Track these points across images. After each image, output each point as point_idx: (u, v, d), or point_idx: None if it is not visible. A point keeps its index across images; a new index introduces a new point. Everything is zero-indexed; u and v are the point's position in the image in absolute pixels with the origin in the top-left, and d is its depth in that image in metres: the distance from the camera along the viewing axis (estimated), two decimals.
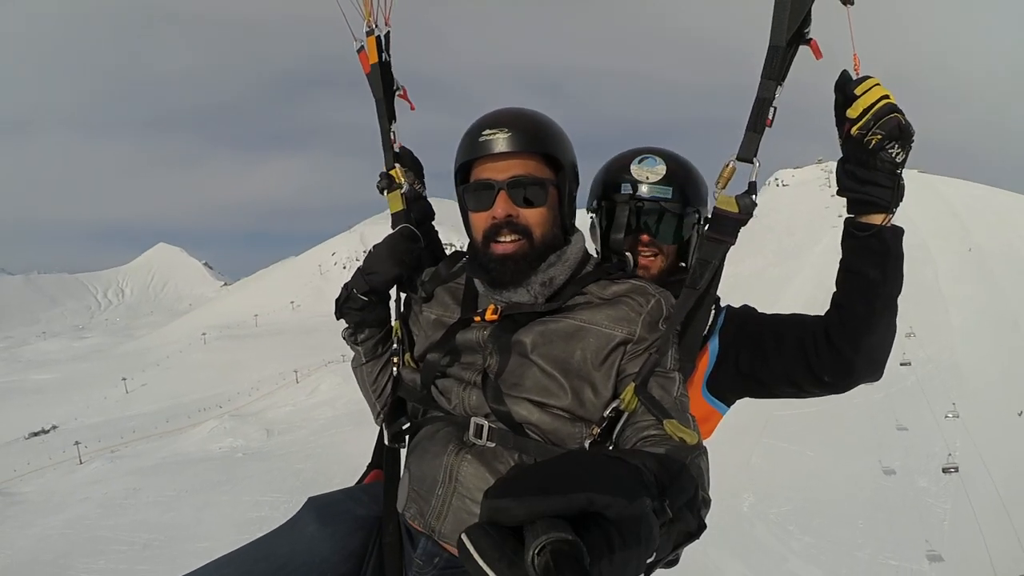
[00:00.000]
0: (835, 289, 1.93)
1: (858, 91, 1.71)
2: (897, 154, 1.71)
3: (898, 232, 1.81)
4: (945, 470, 43.49)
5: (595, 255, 2.21)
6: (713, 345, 2.17)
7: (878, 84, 1.71)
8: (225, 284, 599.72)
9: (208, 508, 59.85)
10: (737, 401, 2.26)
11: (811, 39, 1.72)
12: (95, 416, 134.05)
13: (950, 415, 52.15)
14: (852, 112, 1.72)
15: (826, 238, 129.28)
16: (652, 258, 2.25)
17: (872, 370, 1.93)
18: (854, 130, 1.72)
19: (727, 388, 2.19)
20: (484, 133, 1.83)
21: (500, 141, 1.81)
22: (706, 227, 1.88)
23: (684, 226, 2.26)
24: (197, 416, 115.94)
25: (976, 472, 42.02)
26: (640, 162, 2.26)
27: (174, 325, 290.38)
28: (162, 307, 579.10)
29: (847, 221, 1.86)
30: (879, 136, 1.68)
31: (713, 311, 2.16)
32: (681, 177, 2.25)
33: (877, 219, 1.79)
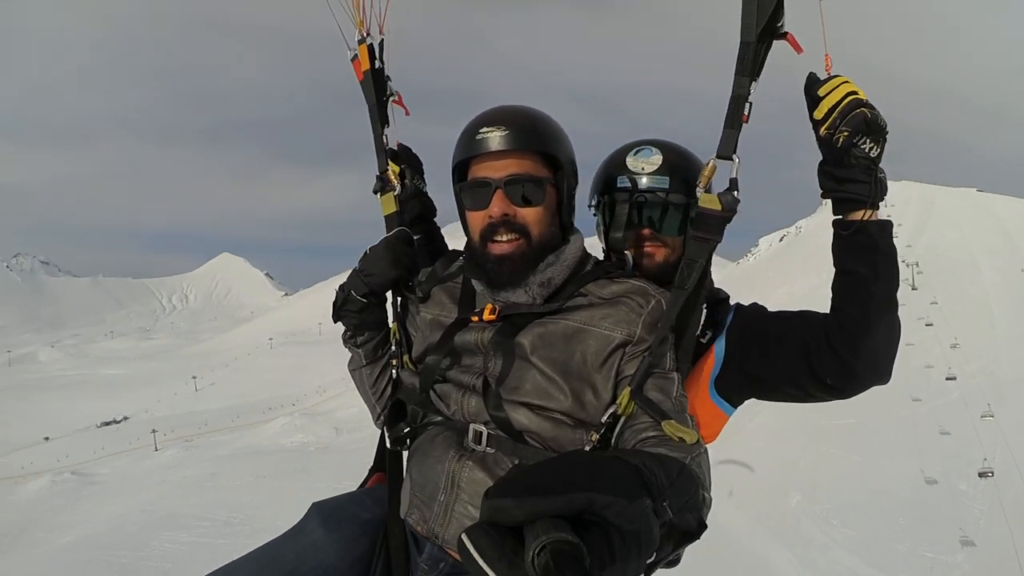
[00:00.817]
0: (832, 293, 1.91)
1: (822, 92, 1.73)
2: (871, 148, 1.70)
3: (885, 226, 1.79)
4: (981, 474, 44.05)
5: (601, 253, 2.23)
6: (720, 345, 2.14)
7: (845, 82, 1.72)
8: (286, 294, 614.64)
9: (285, 492, 60.04)
10: (744, 403, 2.22)
11: (786, 33, 1.72)
12: (166, 410, 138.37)
13: (986, 416, 52.32)
14: (817, 113, 1.73)
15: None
16: (656, 252, 2.19)
17: (876, 374, 1.88)
18: (822, 131, 1.73)
19: (733, 388, 2.14)
20: (481, 131, 1.82)
21: (497, 139, 1.80)
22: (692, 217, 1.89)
23: (686, 216, 2.18)
24: (267, 414, 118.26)
25: (1011, 475, 43.12)
26: (636, 154, 2.21)
27: (239, 331, 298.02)
28: (225, 314, 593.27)
29: (834, 223, 1.85)
30: (846, 133, 1.69)
31: (721, 311, 2.21)
32: (679, 166, 2.19)
33: (858, 215, 1.77)
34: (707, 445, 1.82)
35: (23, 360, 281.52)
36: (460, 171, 1.92)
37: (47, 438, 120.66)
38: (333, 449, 79.97)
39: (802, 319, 2.03)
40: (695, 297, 1.84)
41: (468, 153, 1.84)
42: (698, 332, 1.98)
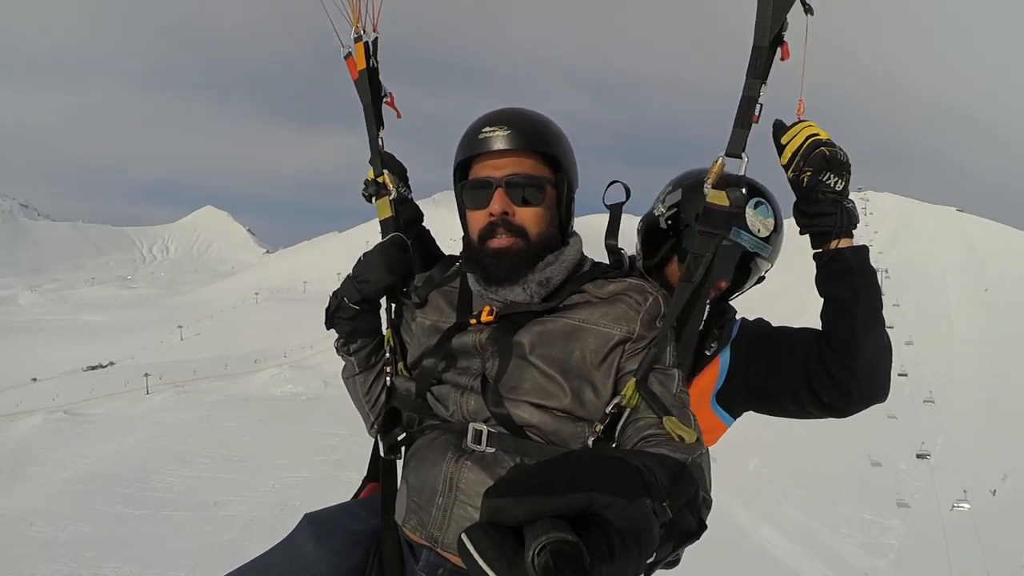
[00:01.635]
0: (820, 322, 1.97)
1: (784, 139, 1.87)
2: (836, 183, 1.83)
3: (860, 251, 1.88)
4: (919, 456, 52.90)
5: (634, 257, 2.24)
6: (724, 357, 2.17)
7: (808, 126, 1.86)
8: (267, 252, 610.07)
9: (280, 435, 62.68)
10: (744, 413, 2.27)
11: (784, 42, 1.79)
12: (152, 357, 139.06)
13: (928, 401, 64.79)
14: (782, 159, 1.88)
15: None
16: (711, 293, 2.14)
17: (872, 391, 1.93)
18: (789, 173, 1.87)
19: (735, 401, 2.18)
20: (483, 131, 1.83)
21: (499, 139, 1.81)
22: (695, 215, 1.95)
23: (752, 276, 2.26)
24: (255, 365, 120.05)
25: (946, 458, 52.26)
26: (756, 207, 2.16)
27: (221, 284, 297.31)
28: (205, 267, 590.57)
29: (813, 256, 1.94)
30: (809, 172, 1.82)
31: (727, 323, 2.23)
32: (777, 233, 2.19)
33: (832, 244, 1.88)
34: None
35: (3, 303, 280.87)
36: (462, 171, 1.94)
37: (35, 379, 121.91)
38: (324, 400, 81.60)
39: (804, 336, 2.06)
40: (701, 291, 1.86)
41: (470, 152, 1.86)
42: (701, 327, 1.98)
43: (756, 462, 50.27)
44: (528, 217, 1.83)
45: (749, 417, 2.25)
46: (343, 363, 2.19)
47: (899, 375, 66.68)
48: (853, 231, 1.89)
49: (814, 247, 1.92)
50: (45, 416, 79.16)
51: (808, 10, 1.79)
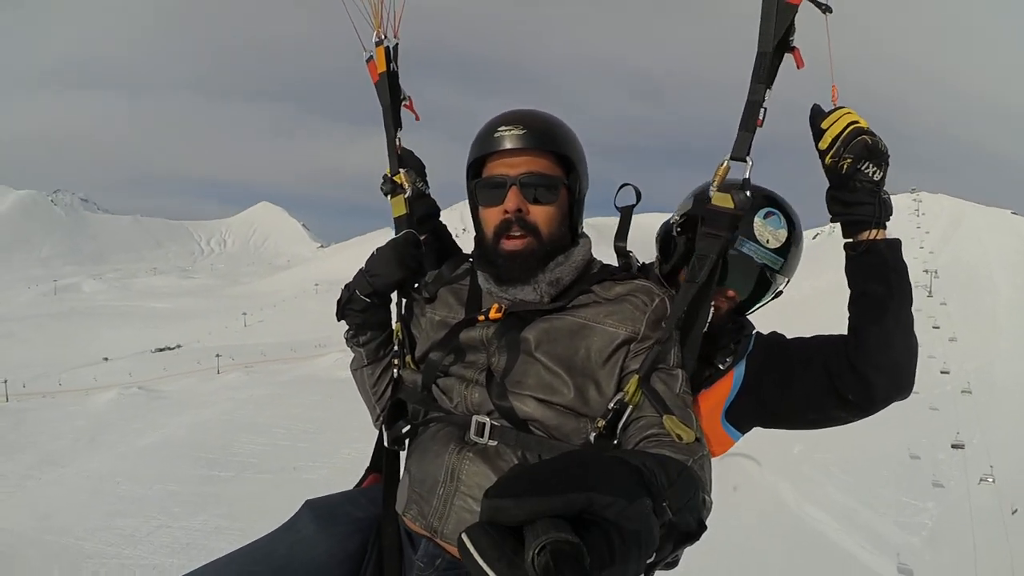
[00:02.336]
0: (848, 315, 1.94)
1: (824, 124, 1.84)
2: (874, 173, 1.79)
3: (894, 244, 1.85)
4: (954, 446, 55.16)
5: (639, 262, 2.19)
6: (739, 371, 2.14)
7: (847, 113, 1.82)
8: (321, 246, 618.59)
9: (352, 414, 61.59)
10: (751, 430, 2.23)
11: (795, 48, 1.80)
12: (217, 341, 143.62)
13: (965, 391, 66.36)
14: (822, 144, 1.83)
15: (907, 259, 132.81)
16: (722, 305, 2.18)
17: (897, 388, 1.91)
18: (827, 160, 1.83)
19: (746, 416, 2.15)
20: (499, 130, 1.85)
21: (514, 138, 1.83)
22: (700, 217, 1.91)
23: (769, 291, 2.23)
24: (319, 350, 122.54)
25: (980, 450, 54.33)
26: (766, 218, 2.14)
27: (279, 276, 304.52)
28: (261, 260, 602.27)
29: (844, 246, 1.91)
30: (849, 160, 1.78)
31: (742, 338, 2.19)
32: (794, 246, 2.17)
33: (867, 235, 1.84)
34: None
35: (68, 289, 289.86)
36: (475, 169, 1.96)
37: (106, 359, 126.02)
38: None
39: (821, 343, 2.06)
40: (705, 291, 1.86)
41: (485, 150, 1.88)
42: (705, 328, 1.97)
43: (800, 448, 51.90)
44: (541, 216, 1.87)
45: None
46: (352, 354, 2.24)
47: (941, 372, 69.72)
48: (887, 223, 1.87)
49: (846, 236, 1.91)
50: (120, 391, 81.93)
51: (825, 9, 1.80)
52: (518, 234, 1.84)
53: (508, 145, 1.83)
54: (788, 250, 2.16)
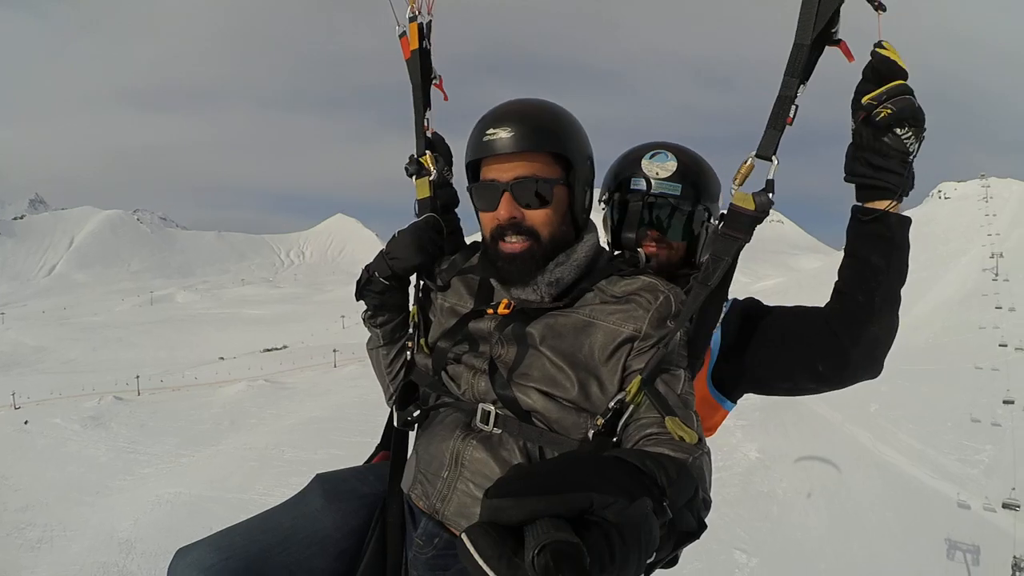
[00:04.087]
0: (837, 278, 1.91)
1: (884, 51, 1.68)
2: (910, 143, 1.69)
3: (904, 221, 1.77)
4: (1005, 401, 60.94)
5: (606, 246, 2.22)
6: (716, 338, 2.16)
7: (903, 75, 1.69)
8: None
9: None
10: (743, 396, 2.29)
11: (840, 40, 1.67)
12: (320, 340, 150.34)
13: (1019, 349, 74.37)
14: (869, 72, 1.71)
15: (974, 248, 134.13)
16: (660, 252, 2.24)
17: (869, 365, 1.91)
18: (866, 99, 1.68)
19: (730, 382, 2.20)
20: (488, 132, 1.79)
21: (503, 140, 1.77)
22: (719, 224, 1.82)
23: (693, 223, 2.25)
24: None
25: None
26: (651, 157, 2.22)
27: None
28: (340, 269, 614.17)
29: (854, 208, 1.83)
30: (889, 110, 1.65)
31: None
32: (692, 173, 2.22)
33: (883, 205, 1.76)
34: (708, 439, 1.84)
35: (162, 300, 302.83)
36: (473, 169, 1.93)
37: (222, 358, 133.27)
38: None
39: (798, 312, 2.09)
40: (718, 294, 1.82)
41: (476, 154, 1.84)
42: (715, 331, 2.01)
43: (876, 407, 58.93)
44: (538, 219, 1.82)
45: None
46: (368, 334, 2.27)
47: (1000, 345, 76.43)
48: (904, 198, 1.77)
49: (860, 199, 1.81)
50: (248, 383, 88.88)
51: (879, 7, 1.67)
52: (515, 239, 1.82)
53: (497, 149, 1.78)
54: (684, 178, 2.21)
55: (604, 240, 2.26)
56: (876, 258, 1.80)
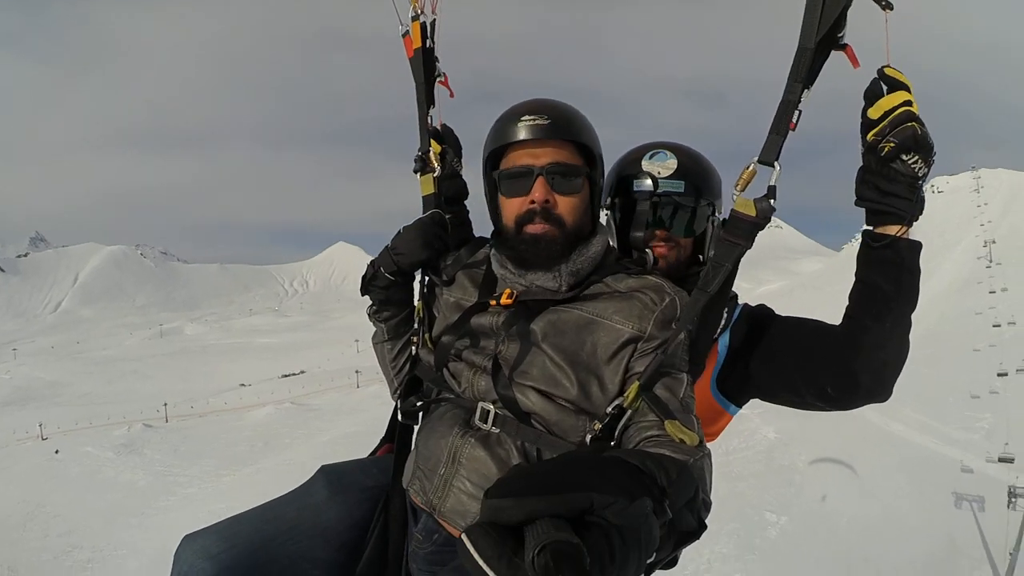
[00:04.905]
0: (848, 302, 1.90)
1: (886, 90, 1.69)
2: (919, 168, 1.68)
3: (915, 246, 1.77)
4: (999, 375, 62.81)
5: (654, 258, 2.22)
6: (723, 342, 2.19)
7: (906, 92, 1.68)
8: None
9: None
10: (748, 402, 2.27)
11: (846, 45, 1.65)
12: (335, 365, 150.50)
13: (1009, 323, 78.14)
14: (873, 112, 1.69)
15: (967, 238, 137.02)
16: (668, 252, 2.23)
17: (878, 391, 1.90)
18: (870, 135, 1.70)
19: (735, 388, 2.21)
20: (523, 119, 1.84)
21: (538, 128, 1.82)
22: (721, 221, 1.89)
23: (698, 219, 2.26)
24: None
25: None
26: (651, 157, 2.24)
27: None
28: (344, 297, 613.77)
29: (863, 233, 1.84)
30: (892, 144, 1.65)
31: (727, 308, 2.20)
32: (693, 171, 2.23)
33: (893, 230, 1.75)
34: (710, 444, 1.88)
35: (172, 333, 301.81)
36: (494, 159, 1.94)
37: (243, 384, 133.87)
38: None
39: (809, 327, 2.08)
40: (718, 300, 1.81)
41: (507, 139, 1.87)
42: (716, 336, 2.03)
43: None
44: (567, 206, 1.86)
45: None
46: (374, 328, 2.28)
47: (993, 326, 78.74)
48: (915, 222, 1.77)
49: (869, 224, 1.81)
50: (275, 406, 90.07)
51: (886, 6, 1.64)
52: (541, 224, 1.84)
53: (533, 135, 1.83)
54: (686, 175, 2.23)
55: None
56: (886, 284, 1.81)
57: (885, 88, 1.69)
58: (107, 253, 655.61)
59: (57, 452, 73.77)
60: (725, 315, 2.19)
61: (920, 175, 1.70)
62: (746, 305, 2.30)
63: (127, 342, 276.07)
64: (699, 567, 29.85)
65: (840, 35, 1.64)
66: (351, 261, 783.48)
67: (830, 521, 37.23)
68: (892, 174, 1.70)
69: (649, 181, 2.23)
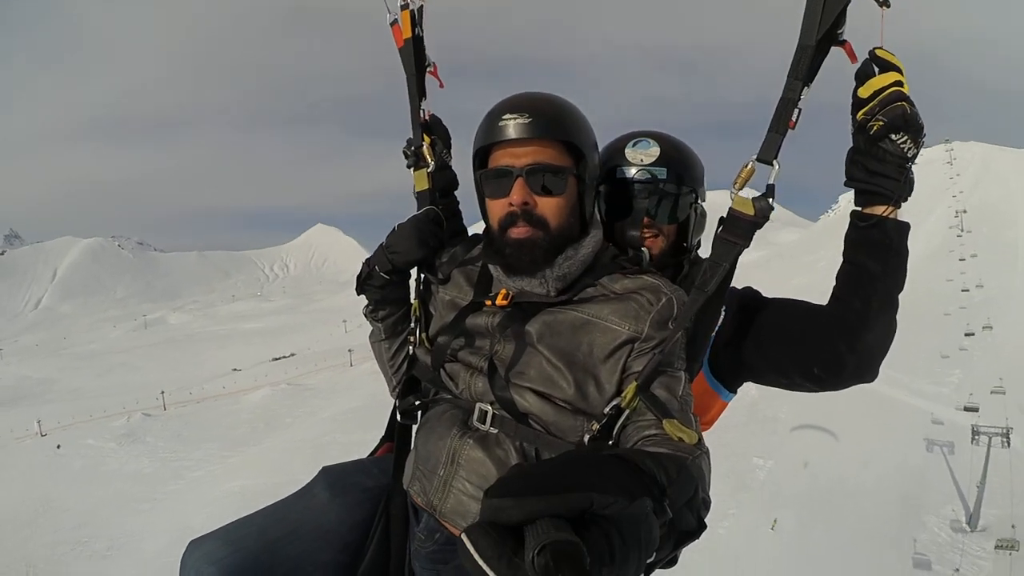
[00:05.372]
0: (835, 282, 1.89)
1: (877, 70, 1.69)
2: (908, 148, 1.68)
3: (903, 227, 1.77)
4: (967, 334, 70.75)
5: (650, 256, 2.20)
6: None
7: (897, 73, 1.69)
8: None
9: None
10: (742, 386, 2.29)
11: (845, 41, 1.66)
12: (325, 346, 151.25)
13: (980, 287, 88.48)
14: (863, 91, 1.70)
15: (939, 210, 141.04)
16: (653, 239, 2.21)
17: (865, 370, 1.90)
18: (860, 114, 1.71)
19: (727, 371, 2.21)
20: (503, 118, 1.79)
21: (519, 126, 1.77)
22: (718, 227, 1.80)
23: (680, 206, 2.23)
24: None
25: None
26: (634, 145, 2.23)
27: (350, 290, 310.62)
28: (326, 279, 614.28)
29: (852, 213, 1.84)
30: (881, 123, 1.66)
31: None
32: (675, 158, 2.21)
33: (880, 210, 1.76)
34: (706, 433, 1.88)
35: (155, 324, 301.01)
36: (481, 158, 1.91)
37: (235, 369, 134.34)
38: None
39: (798, 310, 2.07)
40: (716, 300, 1.82)
41: (489, 139, 1.83)
42: (713, 333, 2.01)
43: None
44: (549, 207, 1.82)
45: None
46: (371, 328, 2.26)
47: (962, 290, 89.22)
48: (903, 203, 1.78)
49: (858, 204, 1.82)
50: (271, 388, 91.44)
51: (883, 3, 1.65)
52: (524, 227, 1.81)
53: (513, 135, 1.78)
54: (668, 163, 2.21)
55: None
56: (873, 264, 1.80)
57: (877, 69, 1.71)
58: (84, 246, 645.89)
59: (59, 447, 74.37)
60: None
61: (909, 155, 1.71)
62: (733, 288, 2.23)
63: (112, 335, 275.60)
64: None
65: (840, 32, 1.66)
66: (330, 243, 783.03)
67: (811, 463, 41.07)
68: (881, 154, 1.71)
69: (633, 169, 2.23)
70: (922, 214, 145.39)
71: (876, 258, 1.79)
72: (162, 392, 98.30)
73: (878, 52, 1.71)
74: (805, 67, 1.64)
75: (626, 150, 2.24)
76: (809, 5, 1.62)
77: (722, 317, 2.14)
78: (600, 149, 2.14)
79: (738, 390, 2.32)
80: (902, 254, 1.80)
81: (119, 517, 52.83)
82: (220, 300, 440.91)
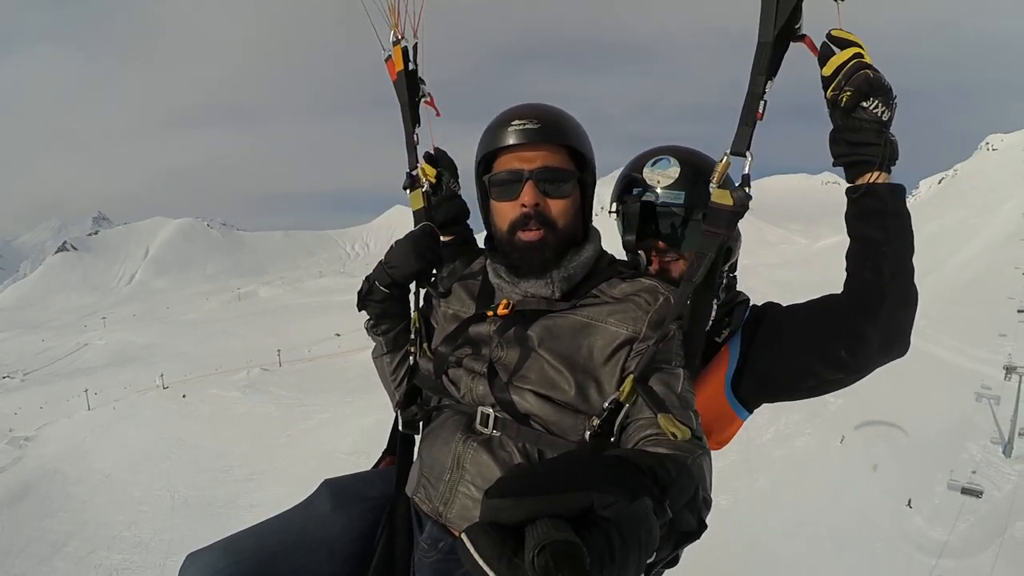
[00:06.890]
0: (845, 264, 1.88)
1: (837, 50, 1.73)
2: (882, 112, 1.71)
3: (896, 188, 1.77)
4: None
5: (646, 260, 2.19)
6: (735, 344, 2.15)
7: (857, 48, 1.72)
8: None
9: None
10: (759, 407, 2.22)
11: (804, 36, 1.72)
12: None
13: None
14: (827, 70, 1.73)
15: (1018, 195, 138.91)
16: (672, 266, 2.19)
17: (892, 343, 1.85)
18: (828, 92, 1.74)
19: (749, 390, 2.15)
20: (513, 124, 1.84)
21: (528, 132, 1.82)
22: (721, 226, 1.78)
23: (697, 231, 2.06)
24: None
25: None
26: (653, 165, 2.18)
27: None
28: None
29: (846, 191, 1.84)
30: (849, 93, 1.70)
31: (737, 311, 2.23)
32: (696, 180, 2.12)
33: (867, 177, 1.77)
34: (715, 452, 1.85)
35: (248, 296, 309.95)
36: (486, 164, 1.94)
37: (337, 334, 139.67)
38: None
39: (815, 304, 2.04)
40: (705, 291, 1.84)
41: (498, 144, 1.86)
42: (708, 327, 1.98)
43: (924, 322, 72.76)
44: (557, 209, 1.86)
45: None
46: (372, 343, 2.28)
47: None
48: (892, 167, 1.78)
49: (849, 180, 1.82)
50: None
51: None
52: (535, 228, 1.84)
53: (523, 139, 1.83)
54: (686, 185, 2.14)
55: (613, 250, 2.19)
56: (875, 231, 1.79)
57: (836, 49, 1.75)
58: (175, 226, 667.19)
59: (184, 396, 79.93)
60: (735, 316, 2.23)
61: (884, 119, 1.74)
62: (755, 305, 2.27)
63: (207, 306, 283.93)
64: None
65: (797, 27, 1.72)
66: (408, 223, 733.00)
67: (876, 404, 43.25)
68: (857, 124, 1.75)
69: (649, 192, 2.18)
70: (1000, 200, 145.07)
71: (876, 225, 1.79)
72: (278, 351, 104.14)
73: (834, 33, 1.76)
74: (766, 63, 1.72)
75: (644, 170, 2.22)
76: (764, 4, 1.71)
77: (740, 335, 2.18)
78: (627, 163, 2.33)
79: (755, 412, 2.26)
80: (901, 215, 1.79)
81: (256, 450, 57.54)
82: (306, 276, 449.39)
